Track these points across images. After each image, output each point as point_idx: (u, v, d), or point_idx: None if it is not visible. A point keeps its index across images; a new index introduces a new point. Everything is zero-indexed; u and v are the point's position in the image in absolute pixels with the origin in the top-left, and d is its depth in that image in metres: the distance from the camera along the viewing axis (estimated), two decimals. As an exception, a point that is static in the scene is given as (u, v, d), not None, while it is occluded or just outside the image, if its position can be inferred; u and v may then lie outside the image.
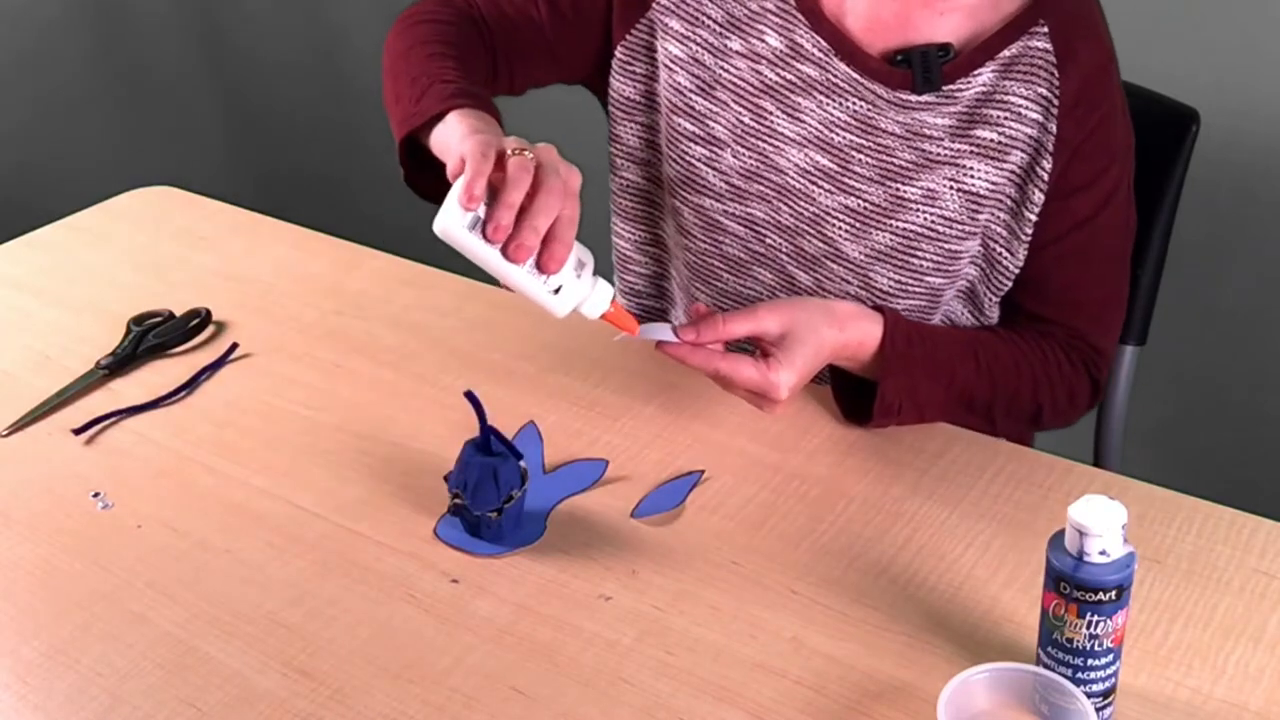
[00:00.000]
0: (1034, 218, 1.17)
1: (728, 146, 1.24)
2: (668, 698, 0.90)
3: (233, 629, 0.97)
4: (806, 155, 1.21)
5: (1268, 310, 1.91)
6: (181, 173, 2.01)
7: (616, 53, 1.28)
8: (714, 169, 1.25)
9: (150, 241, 1.56)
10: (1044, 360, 1.20)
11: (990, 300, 1.24)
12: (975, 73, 1.15)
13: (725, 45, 1.23)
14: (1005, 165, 1.16)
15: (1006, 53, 1.15)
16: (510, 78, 1.30)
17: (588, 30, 1.28)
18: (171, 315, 1.36)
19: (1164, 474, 1.12)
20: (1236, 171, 1.80)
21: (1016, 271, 1.20)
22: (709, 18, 1.23)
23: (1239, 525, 1.03)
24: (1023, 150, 1.16)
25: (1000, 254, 1.20)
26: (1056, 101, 1.14)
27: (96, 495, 1.12)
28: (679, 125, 1.26)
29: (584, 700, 0.90)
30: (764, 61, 1.21)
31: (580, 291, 1.01)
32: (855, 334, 1.10)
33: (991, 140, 1.16)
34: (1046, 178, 1.15)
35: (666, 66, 1.25)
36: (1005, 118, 1.15)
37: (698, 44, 1.24)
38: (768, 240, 1.26)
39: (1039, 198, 1.16)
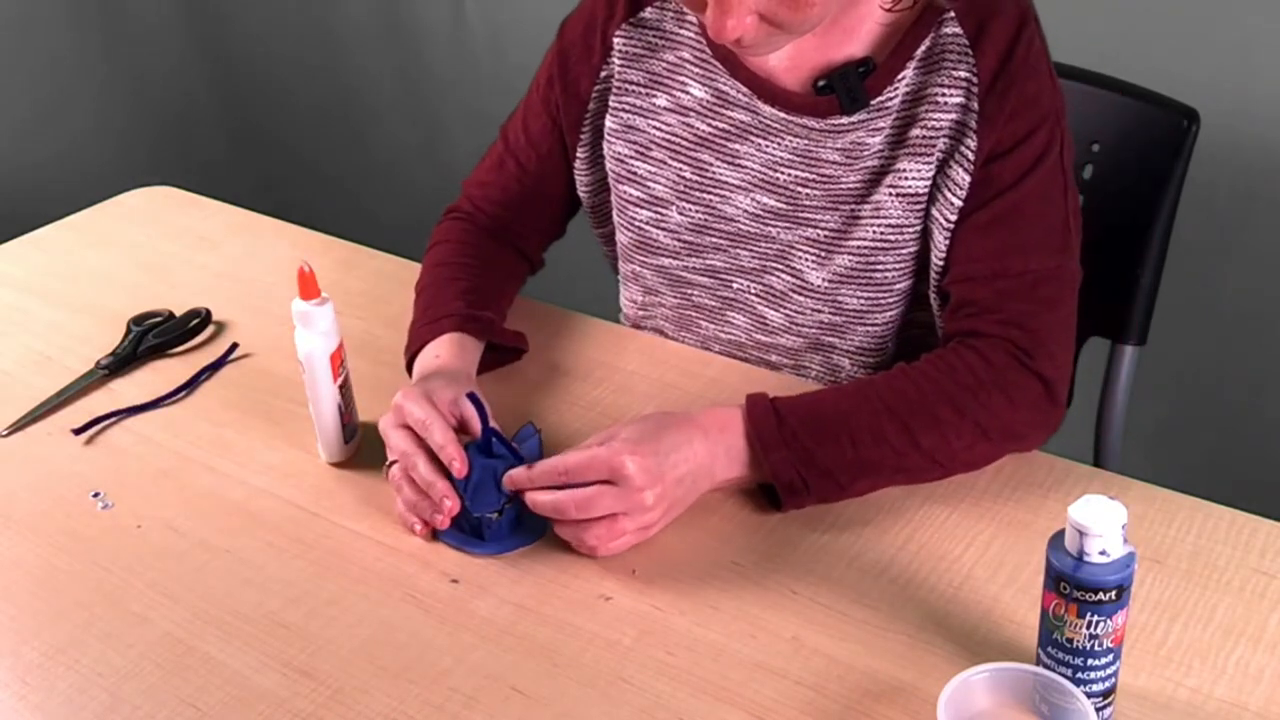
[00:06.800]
0: (959, 202, 1.12)
1: (672, 204, 1.24)
2: (668, 698, 0.90)
3: (233, 629, 0.97)
4: (754, 199, 1.21)
5: (1268, 310, 1.91)
6: (181, 173, 2.02)
7: (575, 162, 1.30)
8: (662, 229, 1.25)
9: (150, 241, 1.56)
10: (950, 369, 1.08)
11: (934, 297, 1.18)
12: (899, 77, 1.13)
13: (653, 104, 1.23)
14: (933, 157, 1.13)
15: (921, 49, 1.13)
16: (534, 249, 1.36)
17: (557, 165, 1.32)
18: (171, 315, 1.36)
19: (1164, 474, 1.12)
20: (1236, 171, 1.80)
21: (943, 258, 1.14)
22: (632, 83, 1.23)
23: (1239, 525, 1.03)
24: (946, 137, 1.12)
25: (931, 244, 1.15)
26: (976, 81, 1.11)
27: (96, 495, 1.12)
28: (625, 193, 1.26)
29: (584, 700, 0.90)
30: (692, 113, 1.21)
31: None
32: (710, 418, 1.05)
33: (920, 137, 1.13)
34: (972, 157, 1.11)
35: (606, 140, 1.26)
36: (930, 110, 1.12)
37: (627, 110, 1.24)
38: (735, 285, 1.26)
39: (963, 178, 1.11)
